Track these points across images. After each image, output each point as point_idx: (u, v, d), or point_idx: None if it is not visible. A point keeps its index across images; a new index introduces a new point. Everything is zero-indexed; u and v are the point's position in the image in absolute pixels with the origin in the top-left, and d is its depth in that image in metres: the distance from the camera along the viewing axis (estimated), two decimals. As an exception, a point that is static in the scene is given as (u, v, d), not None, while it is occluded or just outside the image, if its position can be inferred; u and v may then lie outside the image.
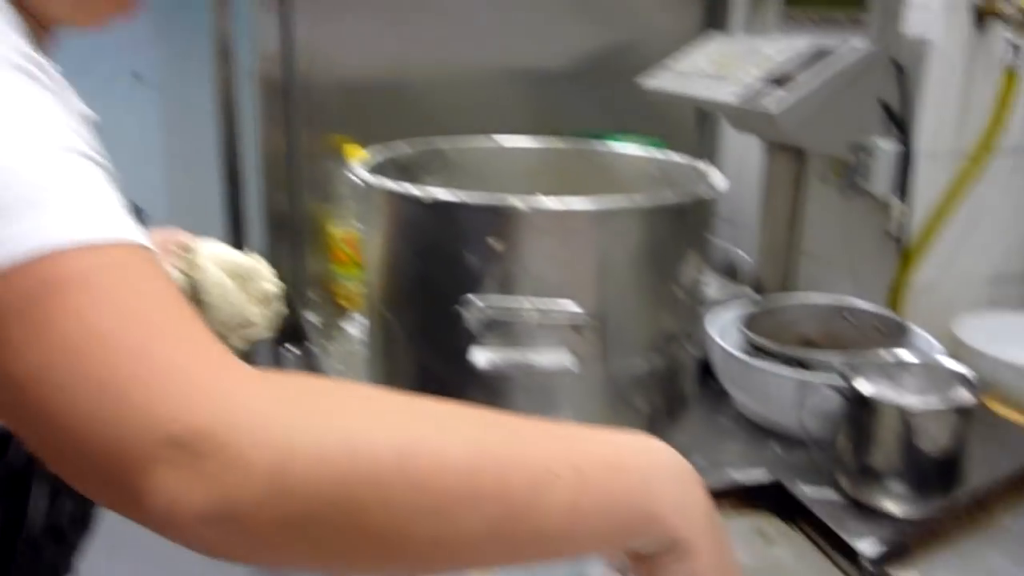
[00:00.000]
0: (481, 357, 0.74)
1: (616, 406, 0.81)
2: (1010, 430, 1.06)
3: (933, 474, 0.85)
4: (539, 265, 0.75)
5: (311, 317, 1.32)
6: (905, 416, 0.82)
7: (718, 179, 0.85)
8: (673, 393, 0.86)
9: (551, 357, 0.75)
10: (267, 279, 0.91)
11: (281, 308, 0.92)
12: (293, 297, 1.40)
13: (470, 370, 0.75)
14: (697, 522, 0.48)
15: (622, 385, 0.81)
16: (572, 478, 0.42)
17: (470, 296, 0.74)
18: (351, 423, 0.39)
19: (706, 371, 1.08)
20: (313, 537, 0.37)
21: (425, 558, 0.40)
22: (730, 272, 1.30)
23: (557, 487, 0.42)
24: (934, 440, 0.83)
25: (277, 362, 1.38)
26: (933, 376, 0.88)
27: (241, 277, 0.88)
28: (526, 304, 0.73)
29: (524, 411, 0.82)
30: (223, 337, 0.90)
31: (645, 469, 0.46)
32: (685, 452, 1.00)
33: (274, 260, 1.44)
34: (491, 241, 0.73)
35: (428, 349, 0.79)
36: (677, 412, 0.89)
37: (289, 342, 1.34)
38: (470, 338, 0.75)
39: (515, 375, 0.77)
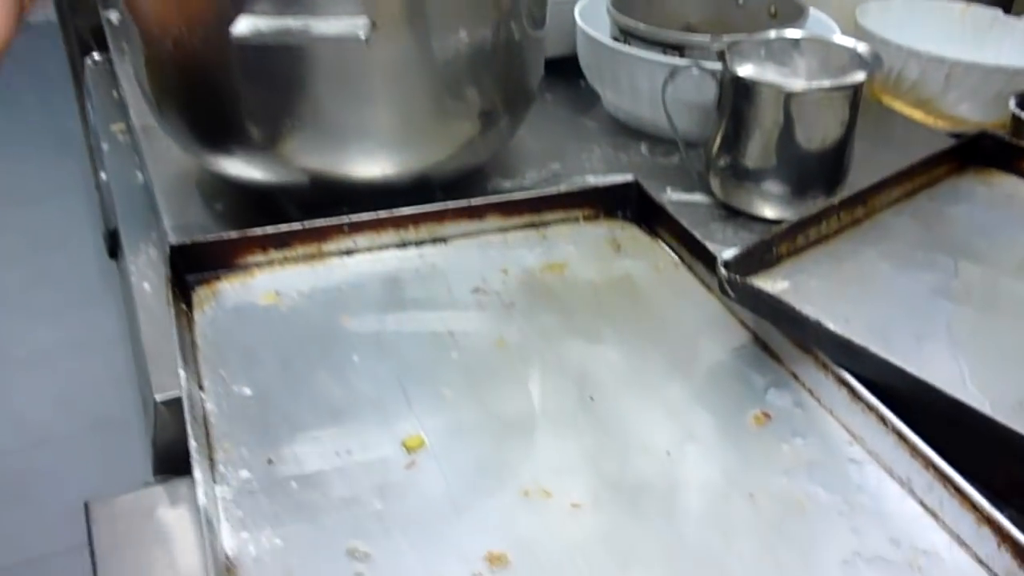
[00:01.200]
0: (244, 25, 0.57)
1: (438, 95, 0.66)
2: (903, 125, 0.94)
3: (814, 170, 0.73)
4: None
5: (112, 16, 1.10)
6: (786, 100, 0.69)
7: None
8: (512, 84, 0.71)
9: (338, 24, 0.57)
10: None
11: None
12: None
13: (236, 45, 0.58)
14: None
15: (442, 68, 0.64)
16: None
17: (222, -61, 0.55)
18: None
19: (575, 70, 0.93)
20: None
21: None
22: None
23: None
24: (818, 128, 0.71)
25: (77, 70, 1.17)
26: (824, 58, 0.74)
27: None
28: (298, -50, 0.55)
29: (313, 95, 0.66)
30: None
31: None
32: (541, 157, 0.87)
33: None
34: None
35: (181, 20, 0.60)
36: (519, 108, 0.73)
37: (91, 49, 1.13)
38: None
39: (294, 49, 0.60)
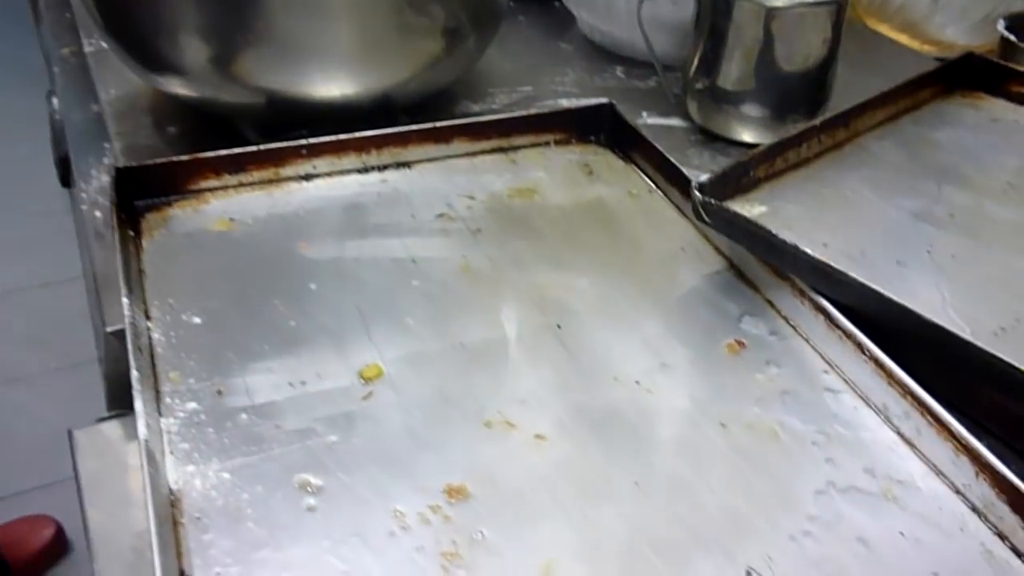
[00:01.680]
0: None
1: (399, 9, 0.62)
2: (889, 50, 0.91)
3: (795, 92, 0.70)
4: None
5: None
6: (767, 16, 0.66)
7: None
8: (479, 0, 0.67)
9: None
10: None
11: None
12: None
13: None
14: None
15: (404, -21, 0.61)
16: None
17: None
18: None
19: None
20: None
21: None
22: None
23: None
24: (799, 48, 0.67)
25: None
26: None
27: None
28: None
29: (268, 8, 0.61)
30: None
31: None
32: (512, 81, 0.84)
33: None
34: None
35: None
36: (487, 26, 0.70)
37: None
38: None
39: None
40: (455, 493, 0.42)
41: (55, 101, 0.88)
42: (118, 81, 0.76)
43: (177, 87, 0.65)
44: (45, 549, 1.32)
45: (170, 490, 0.42)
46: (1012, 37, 0.80)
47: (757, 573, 0.40)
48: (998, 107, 0.72)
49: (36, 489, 1.44)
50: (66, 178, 0.81)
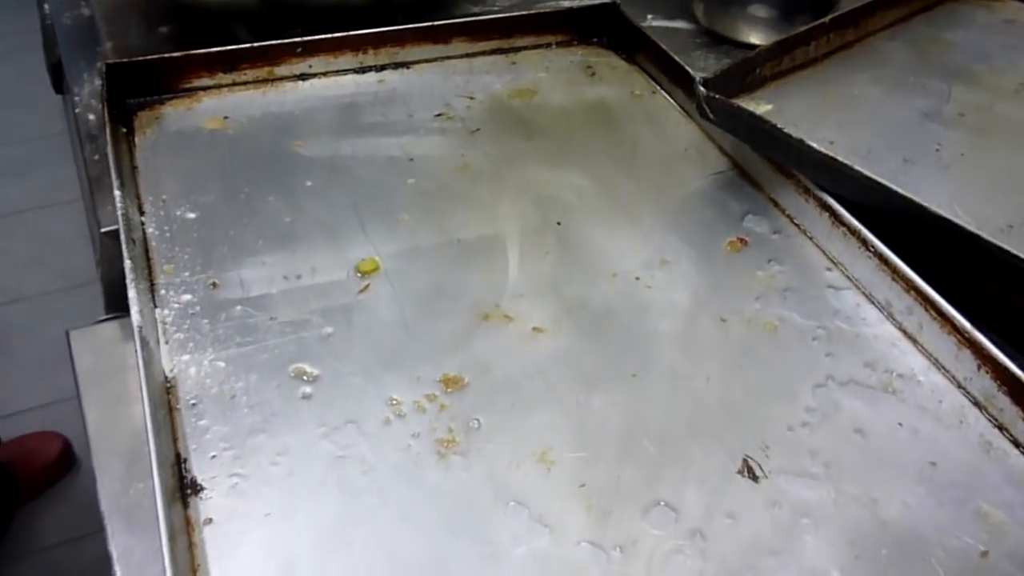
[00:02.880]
0: None
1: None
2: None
3: (804, -8, 0.68)
4: None
5: None
6: (776, -92, 0.63)
7: None
8: None
9: None
10: None
11: None
12: None
13: None
14: None
15: None
16: None
17: None
18: None
19: None
20: None
21: None
22: None
23: None
24: (810, -58, 0.65)
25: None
26: None
27: None
28: None
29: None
30: None
31: None
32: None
33: None
34: None
35: None
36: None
37: None
38: None
39: None
40: (451, 383, 0.42)
41: (46, 6, 0.86)
42: (108, -19, 0.74)
43: (168, -17, 0.63)
44: (53, 464, 1.33)
45: (165, 377, 0.41)
46: (1031, -62, 0.78)
47: (753, 460, 0.40)
48: (1013, 8, 0.70)
49: (41, 407, 1.45)
50: (59, 84, 0.79)
